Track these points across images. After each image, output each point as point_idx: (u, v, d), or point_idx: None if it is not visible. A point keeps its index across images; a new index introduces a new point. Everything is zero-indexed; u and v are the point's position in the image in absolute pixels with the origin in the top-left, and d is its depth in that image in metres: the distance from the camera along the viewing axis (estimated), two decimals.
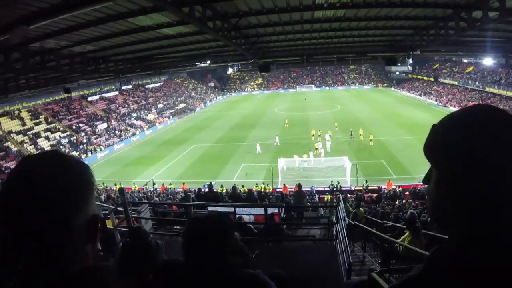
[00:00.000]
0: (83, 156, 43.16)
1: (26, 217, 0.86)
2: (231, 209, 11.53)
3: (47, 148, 43.43)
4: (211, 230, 1.92)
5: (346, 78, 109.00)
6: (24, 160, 0.96)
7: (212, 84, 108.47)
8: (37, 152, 0.86)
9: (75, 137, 48.74)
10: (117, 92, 68.96)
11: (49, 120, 50.45)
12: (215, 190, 18.58)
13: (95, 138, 50.22)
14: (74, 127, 51.56)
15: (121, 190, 8.32)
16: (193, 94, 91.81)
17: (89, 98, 61.95)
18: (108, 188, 25.96)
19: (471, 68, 72.99)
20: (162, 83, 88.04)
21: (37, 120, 49.17)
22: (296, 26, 14.47)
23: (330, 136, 37.41)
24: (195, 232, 1.96)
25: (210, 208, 12.24)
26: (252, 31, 15.20)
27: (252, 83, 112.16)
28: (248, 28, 14.56)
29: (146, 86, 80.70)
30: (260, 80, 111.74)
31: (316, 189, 24.52)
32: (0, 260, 1.17)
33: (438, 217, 0.89)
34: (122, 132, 54.35)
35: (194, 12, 9.49)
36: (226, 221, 2.06)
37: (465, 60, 73.95)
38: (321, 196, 22.50)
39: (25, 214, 0.86)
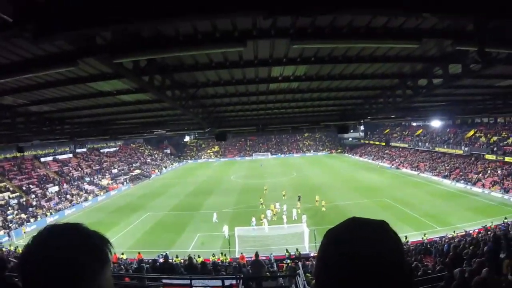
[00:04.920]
0: (32, 220, 40.81)
1: (48, 282, 0.95)
2: (187, 282, 11.05)
3: None
4: None
5: (301, 145, 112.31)
6: (47, 229, 1.06)
7: (168, 151, 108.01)
8: (59, 223, 0.96)
9: (24, 199, 46.24)
10: (71, 155, 67.30)
11: None
12: (170, 260, 17.80)
13: (46, 201, 47.70)
14: (24, 188, 49.24)
15: None
16: (148, 160, 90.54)
17: (42, 159, 60.08)
18: None
19: (421, 130, 78.13)
20: (117, 148, 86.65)
21: None
22: (251, 97, 14.94)
23: (298, 208, 37.62)
24: None
25: (165, 281, 11.65)
26: (209, 101, 15.54)
27: (208, 151, 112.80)
28: (205, 98, 14.89)
29: (101, 150, 79.09)
30: (216, 148, 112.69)
31: (275, 257, 24.05)
32: None
33: None
34: (74, 196, 52.04)
35: (153, 81, 9.68)
36: None
37: (414, 124, 79.07)
38: (280, 264, 22.04)
39: (49, 278, 0.95)
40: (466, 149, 58.49)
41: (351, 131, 23.15)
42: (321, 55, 9.87)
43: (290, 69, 11.23)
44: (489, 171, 50.88)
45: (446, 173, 55.75)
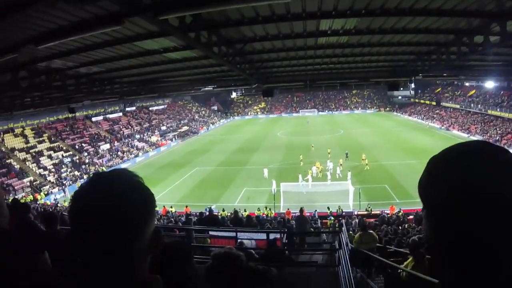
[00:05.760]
0: (85, 177, 43.04)
1: (99, 228, 0.91)
2: (233, 234, 11.48)
3: (50, 167, 43.75)
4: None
5: (348, 102, 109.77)
6: (96, 175, 1.01)
7: (215, 108, 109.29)
8: (106, 170, 0.94)
9: (77, 157, 48.95)
10: (121, 114, 69.57)
11: (52, 139, 50.86)
12: (216, 213, 18.48)
13: (98, 159, 50.41)
14: (77, 146, 51.89)
15: None
16: (196, 117, 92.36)
17: (93, 119, 62.60)
18: None
19: (473, 91, 73.28)
20: (165, 106, 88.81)
21: (41, 138, 49.52)
22: (299, 52, 14.64)
23: (341, 165, 37.03)
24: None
25: (211, 233, 12.18)
26: (256, 56, 15.41)
27: (255, 107, 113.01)
28: (252, 54, 14.77)
29: (150, 108, 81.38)
30: (263, 104, 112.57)
31: (319, 214, 24.32)
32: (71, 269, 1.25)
33: (431, 251, 0.88)
34: (125, 153, 54.52)
35: (200, 37, 9.65)
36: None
37: (467, 84, 74.33)
38: (323, 220, 22.29)
39: (99, 224, 0.91)
40: None
41: (401, 88, 22.15)
42: (372, 7, 9.36)
43: (339, 23, 10.80)
44: None
45: (497, 138, 52.53)
